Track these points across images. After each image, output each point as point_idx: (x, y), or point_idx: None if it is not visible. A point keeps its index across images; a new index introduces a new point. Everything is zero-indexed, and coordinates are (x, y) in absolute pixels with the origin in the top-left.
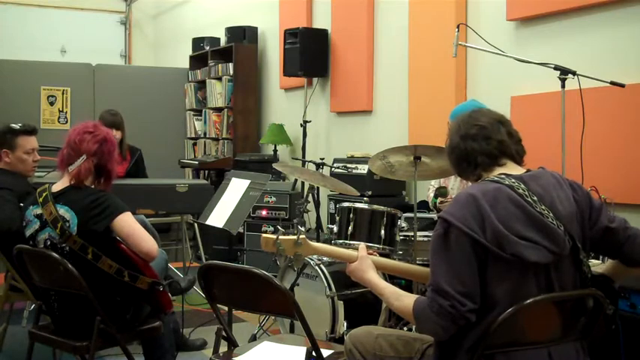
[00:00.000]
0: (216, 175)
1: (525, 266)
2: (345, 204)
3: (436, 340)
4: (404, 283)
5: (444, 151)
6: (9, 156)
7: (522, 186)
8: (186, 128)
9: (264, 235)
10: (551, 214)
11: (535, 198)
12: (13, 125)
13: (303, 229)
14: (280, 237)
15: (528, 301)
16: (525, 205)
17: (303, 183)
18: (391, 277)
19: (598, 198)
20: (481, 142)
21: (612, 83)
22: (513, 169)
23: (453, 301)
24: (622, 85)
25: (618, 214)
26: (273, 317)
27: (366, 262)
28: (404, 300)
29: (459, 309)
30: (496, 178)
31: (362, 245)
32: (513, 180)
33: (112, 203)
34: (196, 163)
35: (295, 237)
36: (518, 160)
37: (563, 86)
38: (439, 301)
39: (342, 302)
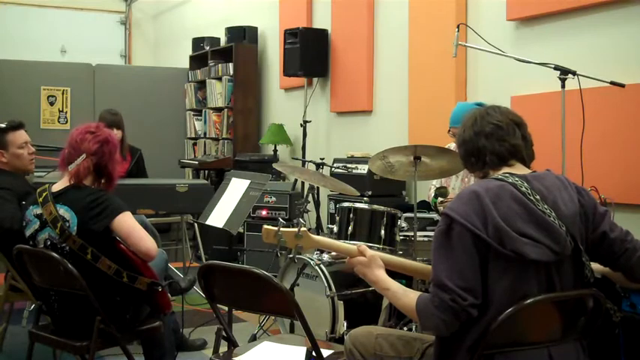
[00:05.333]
0: (216, 175)
1: (525, 264)
2: (345, 204)
3: (437, 338)
4: (404, 282)
5: (444, 151)
6: (4, 156)
7: (525, 184)
8: (186, 128)
9: (265, 226)
10: (553, 214)
11: (538, 197)
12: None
13: (304, 221)
14: (282, 229)
15: (528, 300)
16: (528, 202)
17: (303, 183)
18: (391, 276)
19: (598, 198)
20: (494, 142)
21: (612, 83)
22: (519, 169)
23: (453, 295)
24: (622, 85)
25: (618, 214)
26: (273, 317)
27: (377, 261)
28: (409, 295)
29: (460, 303)
30: (500, 176)
31: (363, 247)
32: (517, 178)
33: (111, 203)
34: (196, 163)
35: (296, 229)
36: (527, 163)
37: (563, 86)
38: (440, 295)
39: (342, 302)
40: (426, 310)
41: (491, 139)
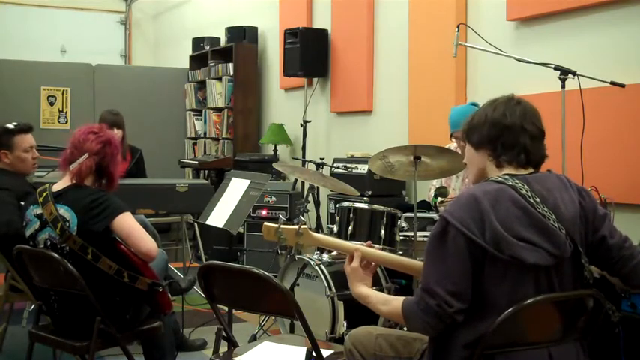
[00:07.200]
0: (216, 175)
1: (524, 268)
2: (345, 204)
3: (430, 337)
4: (404, 282)
5: (444, 151)
6: (8, 157)
7: (525, 187)
8: (186, 128)
9: (266, 223)
10: (553, 217)
11: (538, 199)
12: (9, 125)
13: (304, 219)
14: (282, 226)
15: (528, 301)
16: (527, 206)
17: (303, 183)
18: (391, 276)
19: (598, 198)
20: (499, 146)
21: (612, 83)
22: (521, 170)
23: (440, 300)
24: (622, 85)
25: (618, 214)
26: (273, 317)
27: (359, 274)
28: (392, 303)
29: (445, 309)
30: (499, 179)
31: (357, 254)
32: (517, 181)
33: (111, 203)
34: (196, 163)
35: (296, 227)
36: (532, 164)
37: (563, 86)
38: (427, 299)
39: (342, 302)
40: (411, 313)
41: (497, 143)
